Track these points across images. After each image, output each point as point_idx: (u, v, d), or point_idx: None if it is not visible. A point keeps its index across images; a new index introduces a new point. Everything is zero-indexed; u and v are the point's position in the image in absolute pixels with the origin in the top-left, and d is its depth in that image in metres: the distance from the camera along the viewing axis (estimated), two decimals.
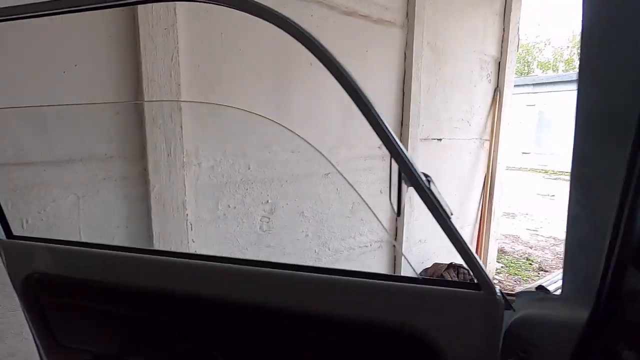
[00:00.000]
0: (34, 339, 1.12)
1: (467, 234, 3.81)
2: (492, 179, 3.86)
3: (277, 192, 2.24)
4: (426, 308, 0.77)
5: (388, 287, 0.79)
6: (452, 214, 0.71)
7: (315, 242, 2.52)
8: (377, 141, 0.68)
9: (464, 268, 3.17)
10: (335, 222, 2.57)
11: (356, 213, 2.71)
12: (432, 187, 0.70)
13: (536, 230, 6.20)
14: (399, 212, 0.77)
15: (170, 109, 1.69)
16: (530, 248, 5.28)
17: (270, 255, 2.26)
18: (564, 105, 13.25)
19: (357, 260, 2.80)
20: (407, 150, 0.68)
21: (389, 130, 0.63)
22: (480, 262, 0.72)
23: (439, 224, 0.71)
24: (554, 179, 12.17)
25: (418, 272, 3.36)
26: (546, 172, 13.72)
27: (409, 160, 0.66)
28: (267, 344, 0.94)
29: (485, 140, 3.77)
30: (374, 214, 2.85)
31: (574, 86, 0.65)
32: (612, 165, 0.57)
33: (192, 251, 1.88)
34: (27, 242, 1.06)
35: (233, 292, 0.88)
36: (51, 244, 1.04)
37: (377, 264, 3.01)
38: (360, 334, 0.84)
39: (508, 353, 0.78)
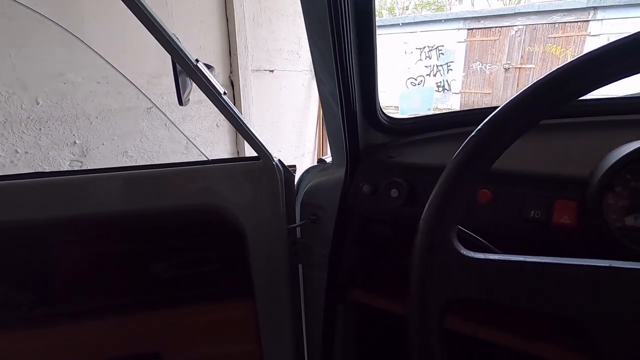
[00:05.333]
0: None
1: (308, 161, 4.19)
2: None
3: (87, 131, 1.93)
4: (218, 185, 0.83)
5: (179, 172, 0.81)
6: (224, 93, 0.75)
7: None
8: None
9: None
10: (169, 160, 2.42)
11: (193, 149, 2.60)
12: (201, 66, 0.72)
13: None
14: (181, 102, 0.78)
15: None
16: None
17: None
18: (391, 46, 15.06)
19: None
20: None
21: (155, 20, 0.65)
22: (257, 135, 0.80)
23: (213, 102, 0.74)
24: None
25: None
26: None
27: (177, 45, 0.68)
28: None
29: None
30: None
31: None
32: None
33: None
34: None
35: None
36: None
37: None
38: (166, 223, 0.86)
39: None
